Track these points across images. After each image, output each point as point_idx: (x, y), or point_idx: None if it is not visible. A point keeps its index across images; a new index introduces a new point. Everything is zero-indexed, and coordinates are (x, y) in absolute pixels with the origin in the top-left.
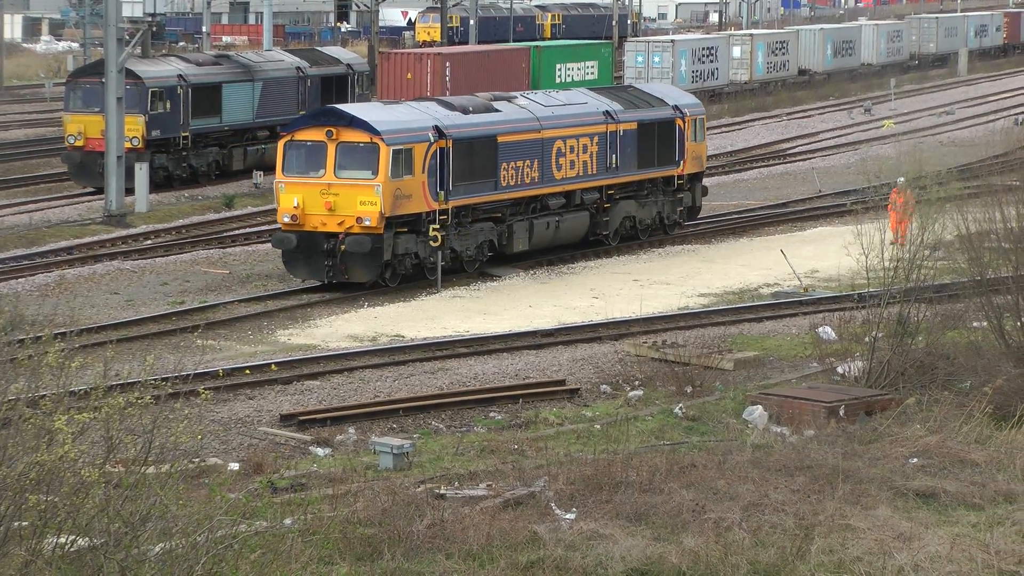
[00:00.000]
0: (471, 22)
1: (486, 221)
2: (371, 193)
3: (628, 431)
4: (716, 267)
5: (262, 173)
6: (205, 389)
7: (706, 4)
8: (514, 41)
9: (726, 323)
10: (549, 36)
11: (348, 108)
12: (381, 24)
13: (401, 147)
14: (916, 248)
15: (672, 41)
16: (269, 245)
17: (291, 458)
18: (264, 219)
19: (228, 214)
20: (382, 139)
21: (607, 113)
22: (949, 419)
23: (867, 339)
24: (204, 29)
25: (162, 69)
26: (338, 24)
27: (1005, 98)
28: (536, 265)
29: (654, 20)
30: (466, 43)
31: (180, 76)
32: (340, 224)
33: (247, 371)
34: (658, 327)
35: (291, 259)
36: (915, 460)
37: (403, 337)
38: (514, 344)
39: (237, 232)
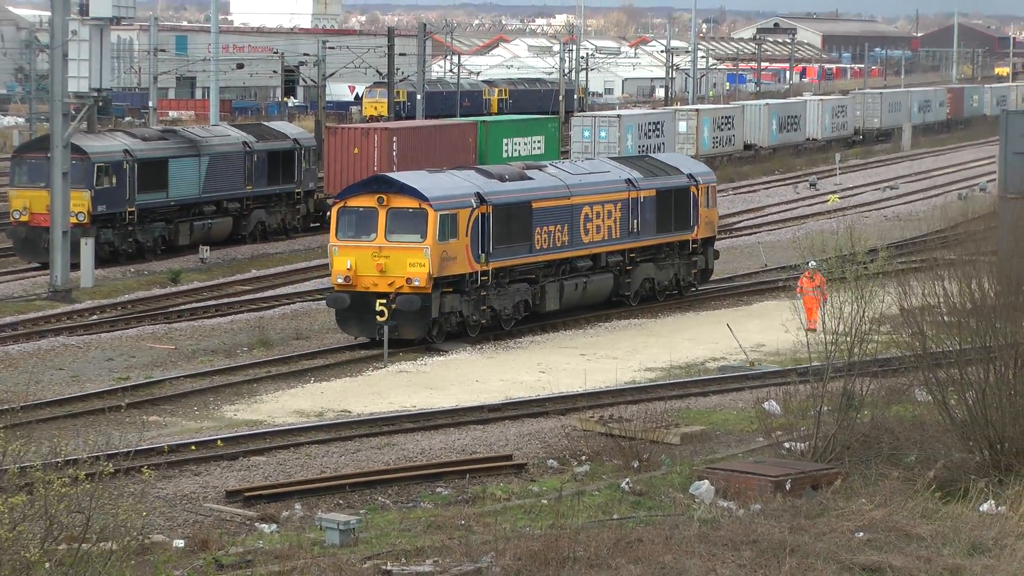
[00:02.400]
0: (418, 97)
1: (521, 282)
2: (420, 255)
3: (575, 506)
4: (662, 341)
5: (208, 248)
6: (150, 466)
7: (652, 79)
8: (461, 116)
9: (673, 397)
10: (496, 111)
11: (398, 176)
12: (328, 99)
13: (447, 212)
14: (858, 322)
15: (619, 116)
16: (216, 319)
17: (237, 534)
18: (210, 294)
19: (174, 289)
20: (430, 205)
21: (629, 181)
22: (895, 493)
23: (812, 413)
24: (151, 104)
25: (108, 144)
26: (285, 99)
27: (948, 173)
28: (483, 340)
29: (600, 95)
30: (413, 118)
31: (126, 151)
32: (390, 284)
33: (193, 447)
34: (605, 401)
35: (344, 317)
36: (861, 534)
37: (350, 412)
38: (461, 419)
39: (183, 307)
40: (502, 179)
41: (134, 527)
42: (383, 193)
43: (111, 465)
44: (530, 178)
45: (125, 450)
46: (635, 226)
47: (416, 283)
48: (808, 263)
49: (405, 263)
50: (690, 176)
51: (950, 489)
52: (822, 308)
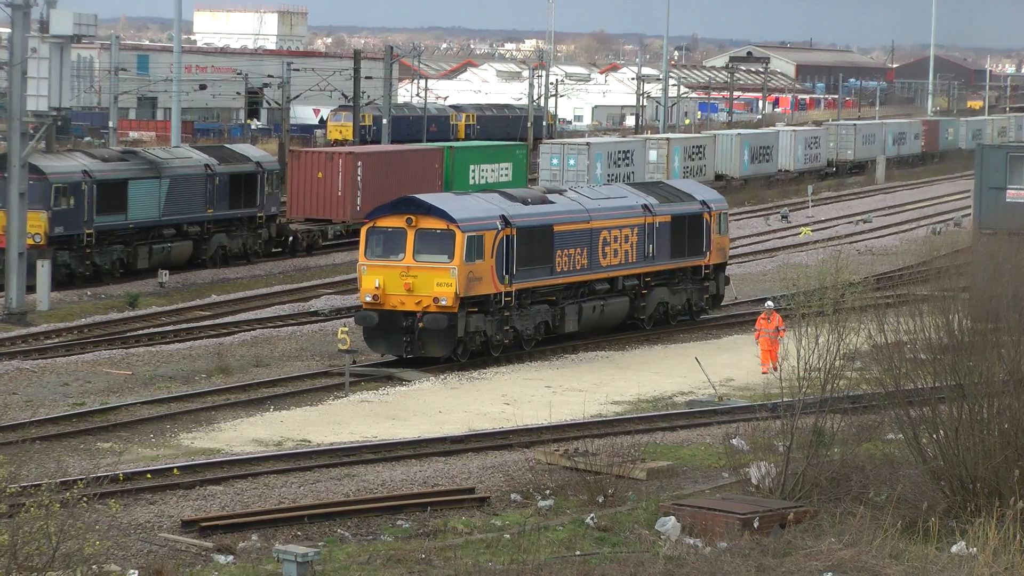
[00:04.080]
0: (384, 121)
1: (543, 303)
2: (447, 275)
3: (538, 541)
4: (630, 374)
5: (167, 272)
6: (104, 494)
7: (623, 107)
8: (428, 141)
9: (639, 431)
10: (463, 136)
11: (426, 198)
12: (292, 122)
13: (474, 234)
14: (832, 357)
15: (588, 144)
16: (174, 345)
17: (192, 565)
18: (169, 319)
19: (132, 313)
20: (458, 226)
21: (645, 207)
22: (863, 532)
23: (781, 449)
24: (111, 124)
25: (66, 164)
26: (248, 121)
27: (923, 206)
28: (447, 370)
29: (570, 122)
30: (379, 142)
31: (85, 172)
32: (418, 303)
33: (148, 475)
34: (570, 435)
35: (372, 335)
36: (829, 575)
37: (309, 442)
38: (423, 450)
39: (141, 332)
40: (525, 202)
41: (95, 558)
42: (412, 214)
43: (75, 493)
44: (551, 202)
45: (79, 477)
46: (651, 251)
47: (443, 302)
48: (765, 303)
49: (432, 283)
50: (703, 203)
51: (918, 529)
52: (781, 350)
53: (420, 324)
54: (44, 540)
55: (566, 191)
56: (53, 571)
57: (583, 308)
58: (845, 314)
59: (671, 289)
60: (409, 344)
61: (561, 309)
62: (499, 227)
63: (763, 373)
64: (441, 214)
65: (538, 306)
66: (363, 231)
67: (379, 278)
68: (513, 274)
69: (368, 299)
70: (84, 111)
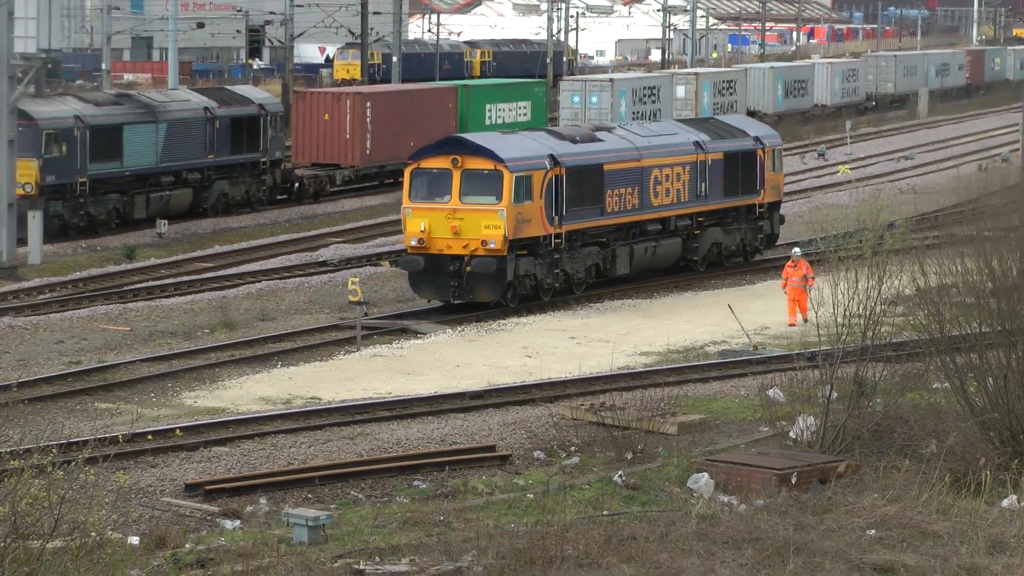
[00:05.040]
0: (394, 59)
1: (593, 246)
2: (495, 217)
3: (563, 501)
4: (659, 323)
5: (166, 222)
6: (106, 457)
7: (648, 41)
8: (441, 80)
9: (669, 384)
10: (478, 74)
11: (472, 137)
12: (296, 61)
13: (522, 174)
14: (873, 302)
15: (611, 80)
16: (174, 299)
17: (197, 531)
18: (168, 272)
19: (129, 266)
20: (506, 166)
21: (697, 143)
22: (908, 487)
23: (821, 401)
24: (104, 66)
25: (58, 110)
26: (250, 61)
27: (968, 142)
28: (464, 321)
29: (591, 58)
30: (388, 82)
31: (77, 117)
32: (465, 247)
33: (149, 436)
34: (596, 388)
35: (417, 280)
36: (872, 532)
37: (319, 400)
38: (440, 407)
39: (139, 286)
40: (573, 141)
41: (97, 524)
42: (458, 154)
43: (79, 459)
44: (601, 140)
45: (77, 439)
46: (703, 190)
47: (491, 245)
48: (793, 250)
49: (480, 225)
50: (756, 139)
51: (967, 482)
52: (810, 300)
53: (468, 268)
54: (46, 510)
55: (615, 128)
56: (54, 541)
57: (634, 250)
58: (886, 257)
59: (724, 229)
60: (457, 289)
61: (612, 251)
62: (548, 167)
63: (790, 325)
64: (488, 154)
65: (588, 248)
66: (407, 172)
67: (424, 221)
68: (563, 215)
69: (413, 243)
70: (75, 53)
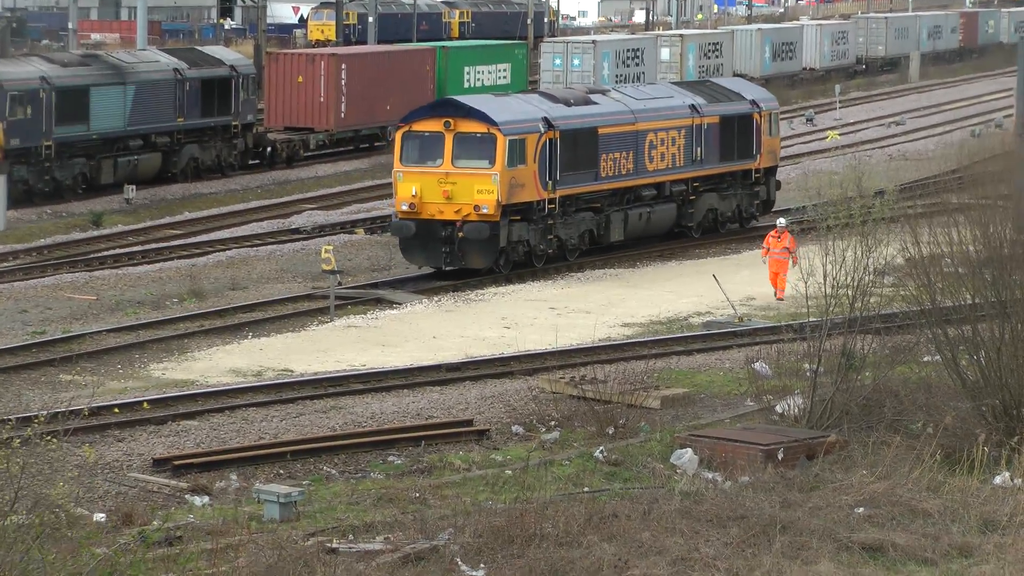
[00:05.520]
0: (370, 19)
1: (587, 211)
2: (488, 182)
3: (543, 477)
4: (641, 293)
5: (134, 187)
6: (70, 430)
7: (632, 1)
8: (418, 41)
9: (652, 356)
10: (457, 36)
11: (465, 99)
12: (269, 21)
13: (516, 137)
14: (861, 272)
15: (593, 42)
16: (142, 267)
17: (165, 508)
18: (136, 239)
19: (96, 233)
20: (499, 129)
21: (692, 107)
22: (898, 464)
23: (808, 374)
24: (70, 25)
25: (23, 70)
26: (221, 21)
27: (961, 107)
28: (441, 291)
29: (573, 18)
30: (364, 43)
31: (43, 78)
32: (457, 212)
33: (116, 410)
34: (577, 360)
35: (408, 246)
36: (861, 509)
37: (292, 372)
38: (416, 380)
39: (106, 253)
40: (568, 104)
41: (61, 499)
42: (450, 117)
43: (36, 430)
44: (595, 103)
45: (40, 412)
46: (699, 154)
47: (484, 210)
48: (778, 220)
49: (473, 189)
50: (752, 102)
51: (958, 458)
52: (792, 272)
53: (460, 234)
54: (5, 481)
55: (609, 91)
56: (15, 515)
57: (629, 216)
58: (875, 225)
59: (720, 195)
60: (448, 255)
61: (606, 217)
62: (541, 130)
63: (779, 300)
64: (481, 116)
65: (582, 214)
66: (398, 135)
67: (416, 185)
68: (556, 180)
69: (404, 208)
70: (41, 12)
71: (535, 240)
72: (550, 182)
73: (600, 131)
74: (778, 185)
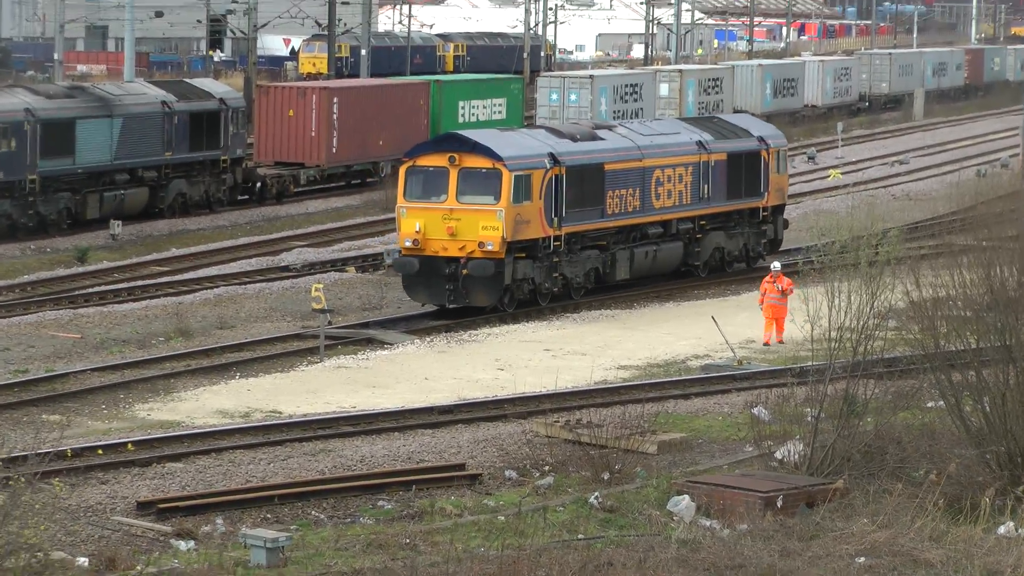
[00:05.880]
0: (362, 52)
1: (592, 249)
2: (493, 218)
3: (537, 524)
4: (638, 335)
5: (120, 223)
6: (52, 473)
7: (630, 35)
8: (412, 74)
9: (649, 400)
10: (451, 69)
11: (470, 134)
12: (260, 53)
13: (522, 173)
14: (864, 316)
15: (591, 76)
16: (128, 305)
17: (149, 552)
18: (122, 276)
19: (81, 269)
20: (504, 165)
21: (700, 143)
22: (900, 512)
23: (809, 419)
24: (56, 56)
25: (7, 102)
26: (210, 53)
27: (966, 146)
28: (433, 332)
29: (570, 53)
30: (357, 76)
31: (27, 110)
32: (461, 249)
33: (100, 451)
34: (572, 404)
35: (412, 283)
36: (862, 559)
37: (280, 413)
38: (407, 422)
39: (91, 290)
40: (574, 139)
41: (39, 545)
42: (454, 152)
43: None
44: (601, 138)
45: (21, 454)
46: (706, 192)
47: (489, 247)
48: (772, 264)
49: (478, 226)
50: (760, 139)
51: (961, 508)
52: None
53: (464, 271)
54: None
55: (615, 126)
56: None
57: (635, 254)
58: (879, 267)
59: (727, 233)
60: (452, 293)
61: (612, 255)
62: (547, 166)
63: (765, 344)
64: (486, 151)
65: (588, 252)
66: (402, 170)
67: (419, 221)
68: (562, 217)
69: (408, 244)
70: (26, 42)
71: (540, 278)
72: (556, 219)
73: (606, 167)
74: (786, 224)
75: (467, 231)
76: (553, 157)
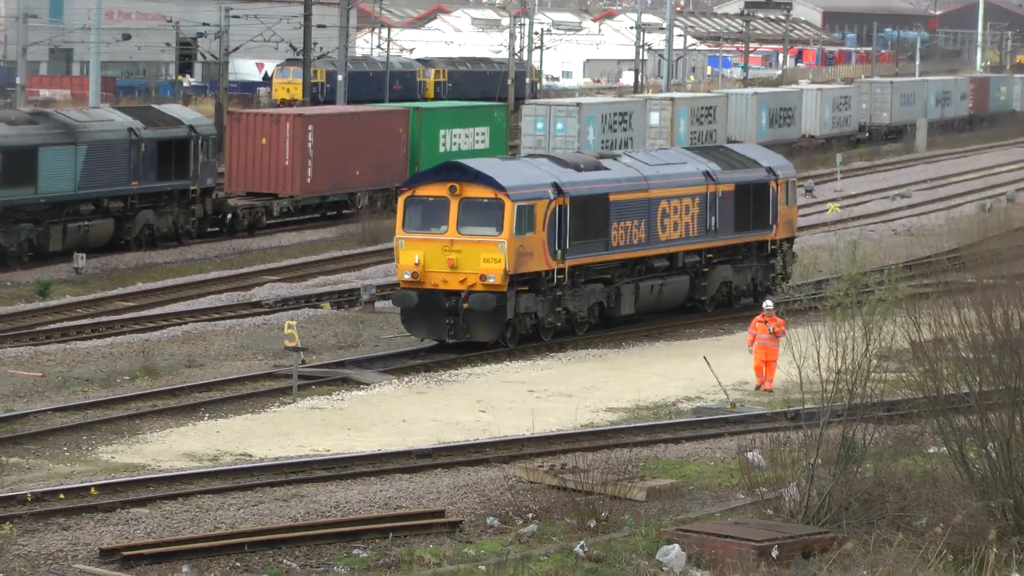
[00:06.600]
0: (339, 78)
1: (596, 283)
2: (495, 250)
3: (519, 574)
4: (627, 376)
5: (84, 256)
6: (8, 517)
7: (619, 61)
8: (391, 101)
9: (638, 444)
10: (432, 96)
11: (471, 163)
12: (232, 78)
13: (525, 203)
14: (862, 358)
15: (578, 105)
16: (92, 342)
17: None
18: (86, 311)
19: (42, 304)
20: (507, 195)
21: (707, 173)
22: (901, 564)
23: (804, 465)
24: (18, 81)
25: None
26: (180, 77)
27: (971, 179)
28: (411, 371)
29: (557, 79)
30: (333, 103)
31: None
32: (462, 282)
33: (61, 495)
34: (557, 448)
35: (410, 317)
36: None
37: (250, 456)
38: (384, 466)
39: (53, 326)
40: (578, 168)
41: None
42: (455, 181)
43: None
44: (606, 168)
45: None
46: (713, 224)
47: (491, 280)
48: (764, 303)
49: (479, 258)
50: (769, 169)
51: (966, 559)
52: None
53: (465, 305)
54: None
55: (620, 156)
56: None
57: (640, 288)
58: (877, 306)
59: (734, 267)
60: (452, 327)
61: (617, 289)
62: (551, 196)
63: (756, 387)
64: (488, 181)
65: (592, 285)
66: (400, 200)
67: (419, 253)
68: (566, 249)
69: (406, 277)
70: None
71: (543, 312)
72: (559, 251)
73: (611, 198)
74: (794, 257)
75: (468, 263)
76: (557, 187)
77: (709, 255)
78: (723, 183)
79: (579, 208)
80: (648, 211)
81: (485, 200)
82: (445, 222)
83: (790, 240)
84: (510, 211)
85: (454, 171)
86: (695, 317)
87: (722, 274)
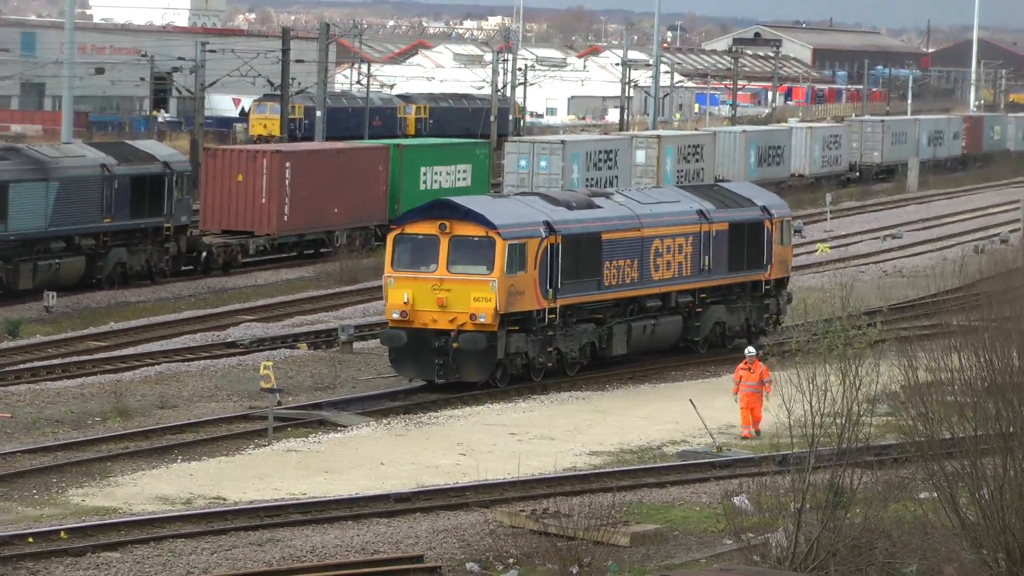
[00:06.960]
0: (318, 113)
1: (588, 322)
2: (486, 289)
3: None
4: (611, 419)
5: (55, 294)
6: None
7: (604, 98)
8: (370, 138)
9: (622, 488)
10: (413, 132)
11: (462, 201)
12: (208, 113)
13: (516, 242)
14: (851, 402)
15: (562, 142)
16: (63, 382)
17: None
18: (56, 351)
19: (11, 344)
20: (498, 233)
21: (700, 212)
22: None
23: (792, 510)
24: None
25: None
26: (154, 113)
27: (963, 220)
28: (390, 413)
29: (541, 116)
30: (311, 139)
31: None
32: (452, 321)
33: (30, 539)
34: (539, 492)
35: (399, 357)
36: None
37: (225, 500)
38: (362, 510)
39: (23, 366)
40: (570, 207)
41: None
42: (445, 219)
43: None
44: (599, 207)
45: None
46: (706, 263)
47: (481, 320)
48: (747, 349)
49: (469, 297)
50: (763, 208)
51: None
52: (765, 408)
53: (455, 344)
54: None
55: (612, 194)
56: None
57: (632, 328)
58: (866, 349)
59: (728, 307)
60: (442, 367)
61: (609, 329)
62: (543, 234)
63: (743, 437)
64: (479, 219)
65: (584, 325)
66: (389, 238)
67: (408, 292)
68: (558, 288)
69: (395, 316)
70: None
71: (534, 352)
72: (551, 290)
73: (604, 237)
74: (789, 298)
75: (458, 302)
76: (548, 225)
77: (702, 295)
78: (717, 222)
79: (571, 247)
80: (641, 250)
81: (476, 238)
82: (435, 260)
83: (784, 280)
84: (501, 250)
85: (444, 209)
86: (683, 359)
87: (715, 314)
